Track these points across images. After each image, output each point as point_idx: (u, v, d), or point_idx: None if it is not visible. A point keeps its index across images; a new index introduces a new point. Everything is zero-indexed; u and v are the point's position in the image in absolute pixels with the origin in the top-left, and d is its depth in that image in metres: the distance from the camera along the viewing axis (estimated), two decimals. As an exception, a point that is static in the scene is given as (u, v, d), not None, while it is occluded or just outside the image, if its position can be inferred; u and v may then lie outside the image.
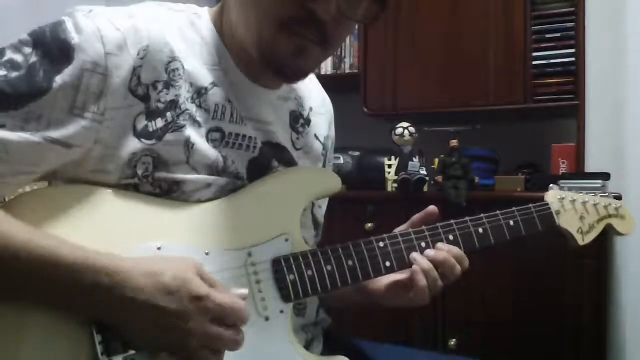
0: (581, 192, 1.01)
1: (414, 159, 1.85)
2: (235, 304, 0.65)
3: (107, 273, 0.60)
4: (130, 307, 0.60)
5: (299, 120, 0.88)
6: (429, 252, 0.81)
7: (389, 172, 1.97)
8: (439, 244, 0.82)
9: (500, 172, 2.03)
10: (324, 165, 0.96)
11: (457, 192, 1.78)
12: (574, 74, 1.94)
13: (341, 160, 2.08)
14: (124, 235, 0.68)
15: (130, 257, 0.64)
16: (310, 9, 0.67)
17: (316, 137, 0.92)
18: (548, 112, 2.09)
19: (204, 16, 0.78)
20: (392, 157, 1.96)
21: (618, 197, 1.55)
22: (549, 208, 0.94)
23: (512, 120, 2.27)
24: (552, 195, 0.97)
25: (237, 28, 0.75)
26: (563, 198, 0.97)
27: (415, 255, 0.81)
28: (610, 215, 1.01)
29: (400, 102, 2.16)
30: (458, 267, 0.81)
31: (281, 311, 0.74)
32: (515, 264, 1.76)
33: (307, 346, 0.83)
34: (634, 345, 1.82)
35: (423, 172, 1.83)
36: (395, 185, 1.91)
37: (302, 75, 0.77)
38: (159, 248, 0.68)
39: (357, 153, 2.10)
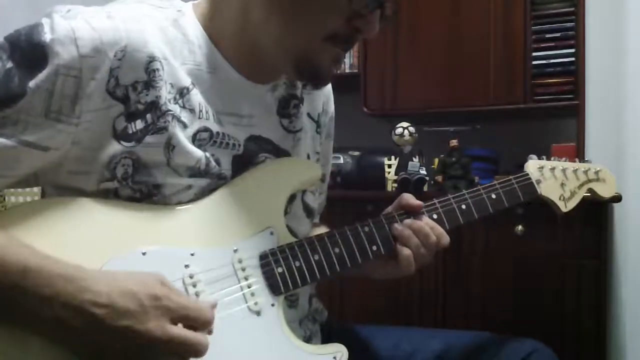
0: (562, 160, 1.00)
1: (414, 159, 1.85)
2: (196, 304, 0.65)
3: (68, 279, 0.60)
4: (89, 314, 0.59)
5: (290, 103, 0.87)
6: (407, 220, 0.83)
7: (389, 172, 1.97)
8: (421, 217, 0.85)
9: (500, 172, 2.03)
10: (322, 142, 0.96)
11: (457, 192, 1.78)
12: (574, 74, 1.94)
13: (341, 160, 2.08)
14: (108, 243, 0.68)
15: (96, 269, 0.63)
16: (355, 27, 0.73)
17: (309, 115, 0.91)
18: (548, 112, 2.09)
19: (188, 13, 0.78)
20: (392, 157, 1.96)
21: (618, 197, 1.56)
22: (529, 178, 0.95)
23: (512, 120, 2.27)
24: (532, 165, 0.97)
25: (257, 31, 0.74)
26: (542, 167, 0.97)
27: (395, 225, 0.83)
28: (590, 180, 1.00)
29: (400, 102, 2.16)
30: (433, 237, 0.82)
31: (272, 305, 0.74)
32: (515, 264, 1.76)
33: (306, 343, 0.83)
34: (634, 346, 1.82)
35: (423, 172, 1.83)
36: (395, 185, 1.91)
37: (330, 80, 0.81)
38: (144, 254, 0.68)
39: (357, 153, 2.10)
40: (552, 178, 0.97)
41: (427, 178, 1.84)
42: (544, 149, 2.01)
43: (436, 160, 1.96)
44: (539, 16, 1.99)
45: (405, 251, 0.81)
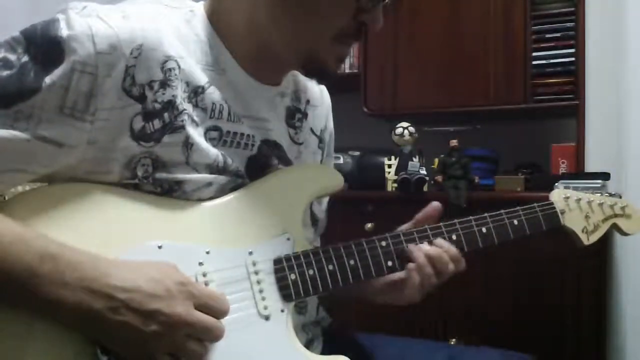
0: (587, 192, 1.00)
1: (414, 159, 1.85)
2: (216, 293, 0.67)
3: (89, 265, 0.61)
4: (116, 298, 0.60)
5: (295, 115, 0.87)
6: (424, 246, 0.81)
7: (389, 172, 1.97)
8: (438, 240, 0.82)
9: (500, 172, 2.03)
10: (322, 160, 0.96)
11: (457, 192, 1.78)
12: (574, 74, 1.94)
13: (341, 160, 2.08)
14: (124, 234, 0.68)
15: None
16: (361, 21, 0.74)
17: (312, 131, 0.91)
18: (548, 112, 2.09)
19: (199, 13, 0.78)
20: (392, 157, 1.96)
21: (618, 197, 1.56)
22: (554, 207, 0.94)
23: (512, 120, 2.27)
24: (557, 195, 0.96)
25: (264, 32, 0.75)
26: (568, 197, 0.96)
27: (412, 247, 0.81)
28: (616, 215, 1.00)
29: (400, 102, 2.16)
30: (451, 266, 0.81)
31: (282, 310, 0.73)
32: (515, 264, 1.76)
33: (308, 346, 0.83)
34: (634, 345, 1.82)
35: (423, 172, 1.83)
36: (395, 185, 1.91)
37: (336, 75, 0.81)
38: (160, 247, 0.68)
39: (357, 153, 2.10)
40: (577, 209, 0.96)
41: (427, 178, 1.84)
42: (544, 149, 2.02)
43: (436, 160, 1.96)
44: (539, 16, 1.99)
45: (415, 280, 0.79)
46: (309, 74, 0.80)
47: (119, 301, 0.60)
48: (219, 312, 0.66)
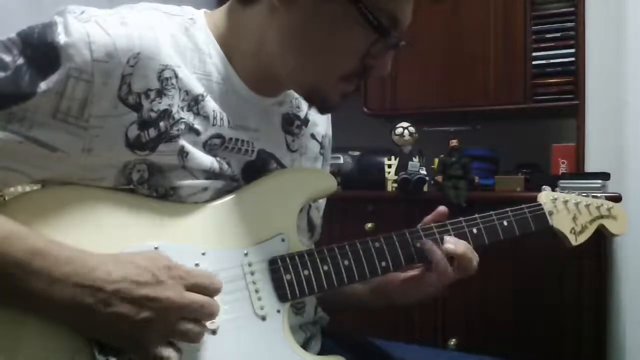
0: (574, 193, 1.02)
1: (414, 159, 1.85)
2: (206, 272, 0.67)
3: (76, 261, 0.61)
4: (104, 290, 0.60)
5: (294, 122, 0.88)
6: (450, 242, 0.83)
7: (389, 172, 1.97)
8: (448, 238, 0.84)
9: (500, 172, 2.03)
10: (322, 164, 0.96)
11: (457, 192, 1.78)
12: (574, 74, 1.93)
13: (341, 160, 2.07)
14: (120, 236, 0.68)
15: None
16: (368, 65, 0.74)
17: (313, 136, 0.92)
18: (548, 112, 2.08)
19: (200, 21, 0.77)
20: (392, 157, 1.96)
21: (618, 198, 1.56)
22: (542, 209, 0.95)
23: (512, 120, 2.27)
24: (545, 196, 0.97)
25: (271, 59, 0.75)
26: (556, 199, 0.97)
27: (431, 245, 0.83)
28: (602, 216, 1.02)
29: (400, 102, 2.16)
30: (476, 259, 0.84)
31: (278, 311, 0.74)
32: (515, 264, 1.76)
33: (305, 345, 0.84)
34: (634, 345, 1.82)
35: (423, 172, 1.83)
36: (395, 185, 1.91)
37: (337, 109, 0.81)
38: (156, 248, 0.69)
39: (357, 153, 2.10)
40: (564, 210, 0.98)
41: (427, 178, 1.84)
42: (544, 149, 2.02)
43: (436, 160, 1.96)
44: (539, 16, 1.98)
45: (447, 268, 0.83)
46: (311, 103, 0.81)
47: (107, 293, 0.60)
48: (211, 290, 0.66)
